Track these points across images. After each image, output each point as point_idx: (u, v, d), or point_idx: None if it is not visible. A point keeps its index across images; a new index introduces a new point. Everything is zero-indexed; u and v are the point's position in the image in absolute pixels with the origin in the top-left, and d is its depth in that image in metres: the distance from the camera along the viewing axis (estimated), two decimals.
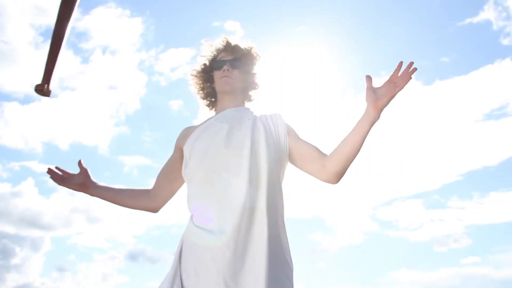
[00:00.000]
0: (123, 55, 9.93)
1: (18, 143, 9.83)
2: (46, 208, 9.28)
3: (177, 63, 9.53)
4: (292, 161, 1.76)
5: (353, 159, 1.61)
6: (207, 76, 1.94)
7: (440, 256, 8.95)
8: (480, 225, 9.15)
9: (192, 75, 1.98)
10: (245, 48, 1.92)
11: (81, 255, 8.95)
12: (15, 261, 8.88)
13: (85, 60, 9.76)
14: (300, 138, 1.76)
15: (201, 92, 1.97)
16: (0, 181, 9.26)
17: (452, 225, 9.15)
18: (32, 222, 9.26)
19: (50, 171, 1.80)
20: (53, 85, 1.64)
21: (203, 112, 1.98)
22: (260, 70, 1.93)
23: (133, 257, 8.86)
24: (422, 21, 9.41)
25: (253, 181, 1.59)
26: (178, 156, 1.86)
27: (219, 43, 1.94)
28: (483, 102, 9.60)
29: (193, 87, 1.99)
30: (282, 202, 1.69)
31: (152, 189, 1.90)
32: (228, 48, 1.91)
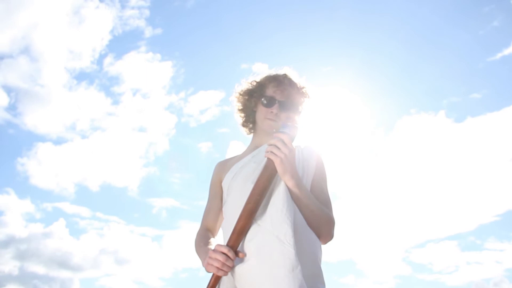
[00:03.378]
0: (154, 98, 10.23)
1: (50, 184, 10.08)
2: (76, 249, 9.36)
3: (206, 105, 9.74)
4: None
5: (314, 218, 1.62)
6: (251, 101, 1.94)
7: None
8: None
9: (239, 93, 1.98)
10: (298, 89, 1.90)
11: None
12: None
13: (116, 102, 10.10)
14: (319, 186, 1.77)
15: (242, 115, 1.99)
16: (33, 221, 9.45)
17: (490, 268, 8.68)
18: (62, 262, 9.33)
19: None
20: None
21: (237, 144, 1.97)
22: (305, 109, 1.92)
23: None
24: (452, 58, 9.36)
25: (272, 217, 1.58)
26: (220, 190, 1.89)
27: (276, 73, 1.93)
28: None
29: (235, 106, 2.00)
30: (309, 236, 1.63)
31: (212, 230, 1.89)
32: (283, 85, 1.88)
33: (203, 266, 1.62)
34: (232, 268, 1.54)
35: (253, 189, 1.57)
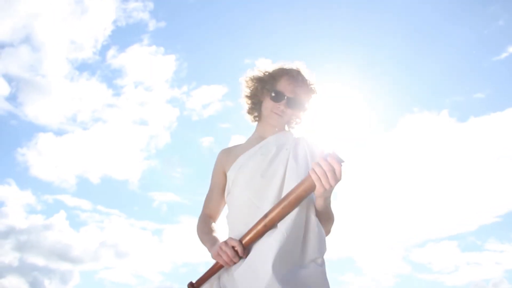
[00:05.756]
0: (156, 91, 10.21)
1: (51, 175, 10.09)
2: (76, 241, 9.38)
3: (209, 100, 9.71)
4: None
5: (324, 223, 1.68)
6: (260, 91, 1.92)
7: None
8: None
9: (249, 78, 1.96)
10: (308, 86, 1.90)
11: None
12: None
13: (117, 94, 10.08)
14: None
15: (248, 102, 1.99)
16: (34, 212, 9.47)
17: (490, 269, 8.67)
18: (62, 254, 9.35)
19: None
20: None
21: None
22: (311, 105, 1.93)
23: None
24: (456, 57, 9.31)
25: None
26: (223, 180, 1.90)
27: (290, 67, 1.92)
28: None
29: (243, 92, 1.99)
30: (317, 227, 1.64)
31: (213, 217, 1.93)
32: (295, 81, 1.87)
33: (209, 252, 1.68)
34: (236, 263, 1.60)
35: (281, 202, 1.56)
